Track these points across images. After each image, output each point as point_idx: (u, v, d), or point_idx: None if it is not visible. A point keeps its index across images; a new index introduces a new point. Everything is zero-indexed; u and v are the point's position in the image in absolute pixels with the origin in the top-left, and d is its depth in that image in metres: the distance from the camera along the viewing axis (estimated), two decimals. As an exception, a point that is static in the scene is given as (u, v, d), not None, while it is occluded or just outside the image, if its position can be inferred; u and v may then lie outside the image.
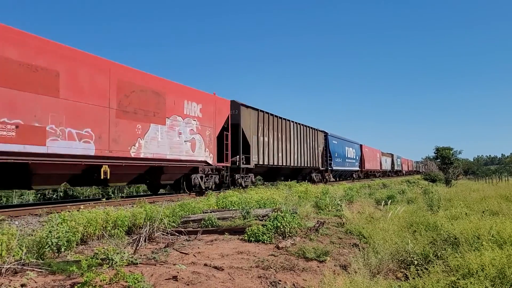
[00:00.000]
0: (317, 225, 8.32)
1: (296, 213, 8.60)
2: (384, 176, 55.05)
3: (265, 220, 7.91)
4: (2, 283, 3.99)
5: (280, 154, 21.78)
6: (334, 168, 31.63)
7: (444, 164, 38.47)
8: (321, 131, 30.03)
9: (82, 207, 7.74)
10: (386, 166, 58.17)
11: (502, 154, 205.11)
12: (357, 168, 40.94)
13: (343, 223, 9.68)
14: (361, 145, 42.73)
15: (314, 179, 27.91)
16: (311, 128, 27.32)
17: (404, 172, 75.63)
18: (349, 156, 37.01)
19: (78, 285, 3.70)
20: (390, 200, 14.00)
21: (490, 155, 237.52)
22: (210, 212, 8.74)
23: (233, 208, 9.58)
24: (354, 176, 40.26)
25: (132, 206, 9.59)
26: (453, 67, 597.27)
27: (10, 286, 3.92)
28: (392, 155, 63.44)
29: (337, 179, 35.66)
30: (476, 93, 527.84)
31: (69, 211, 6.91)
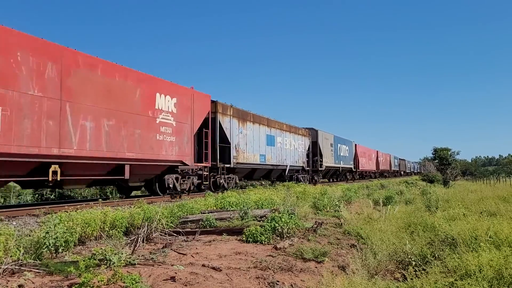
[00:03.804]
0: (315, 225, 8.32)
1: (294, 213, 8.60)
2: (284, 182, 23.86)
3: (263, 220, 7.92)
4: (-1, 284, 3.98)
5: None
6: None
7: (442, 165, 38.63)
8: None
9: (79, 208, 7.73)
10: (277, 156, 22.20)
11: (499, 155, 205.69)
12: None
13: (341, 223, 9.69)
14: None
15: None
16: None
17: (365, 172, 43.97)
18: None
19: (76, 285, 3.69)
20: (388, 201, 14.03)
21: (488, 156, 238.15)
22: (208, 213, 8.74)
23: (231, 209, 9.59)
24: None
25: (130, 207, 9.57)
26: (451, 67, 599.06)
27: (7, 286, 3.91)
28: (315, 132, 28.21)
29: None
30: (474, 94, 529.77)
31: (67, 212, 6.91)
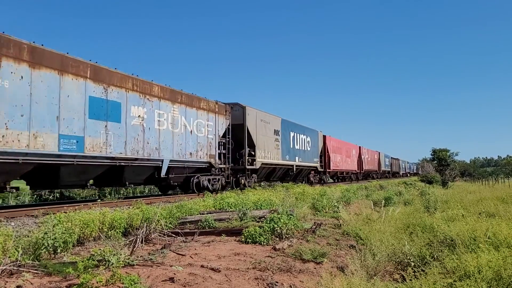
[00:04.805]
0: (314, 226, 8.32)
1: (293, 214, 8.60)
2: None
3: (262, 221, 7.91)
4: (-3, 285, 3.97)
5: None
6: None
7: (441, 165, 38.75)
8: None
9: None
10: (130, 142, 11.19)
11: (498, 156, 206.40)
12: None
13: (340, 224, 9.70)
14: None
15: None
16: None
17: (340, 172, 33.22)
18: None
19: (74, 286, 3.69)
20: (387, 202, 14.05)
21: (486, 157, 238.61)
22: (207, 214, 8.73)
23: (230, 210, 9.58)
24: None
25: (129, 207, 9.56)
26: (449, 68, 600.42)
27: (5, 287, 3.90)
28: (241, 110, 17.47)
29: None
30: (474, 95, 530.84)
31: (65, 212, 6.89)
